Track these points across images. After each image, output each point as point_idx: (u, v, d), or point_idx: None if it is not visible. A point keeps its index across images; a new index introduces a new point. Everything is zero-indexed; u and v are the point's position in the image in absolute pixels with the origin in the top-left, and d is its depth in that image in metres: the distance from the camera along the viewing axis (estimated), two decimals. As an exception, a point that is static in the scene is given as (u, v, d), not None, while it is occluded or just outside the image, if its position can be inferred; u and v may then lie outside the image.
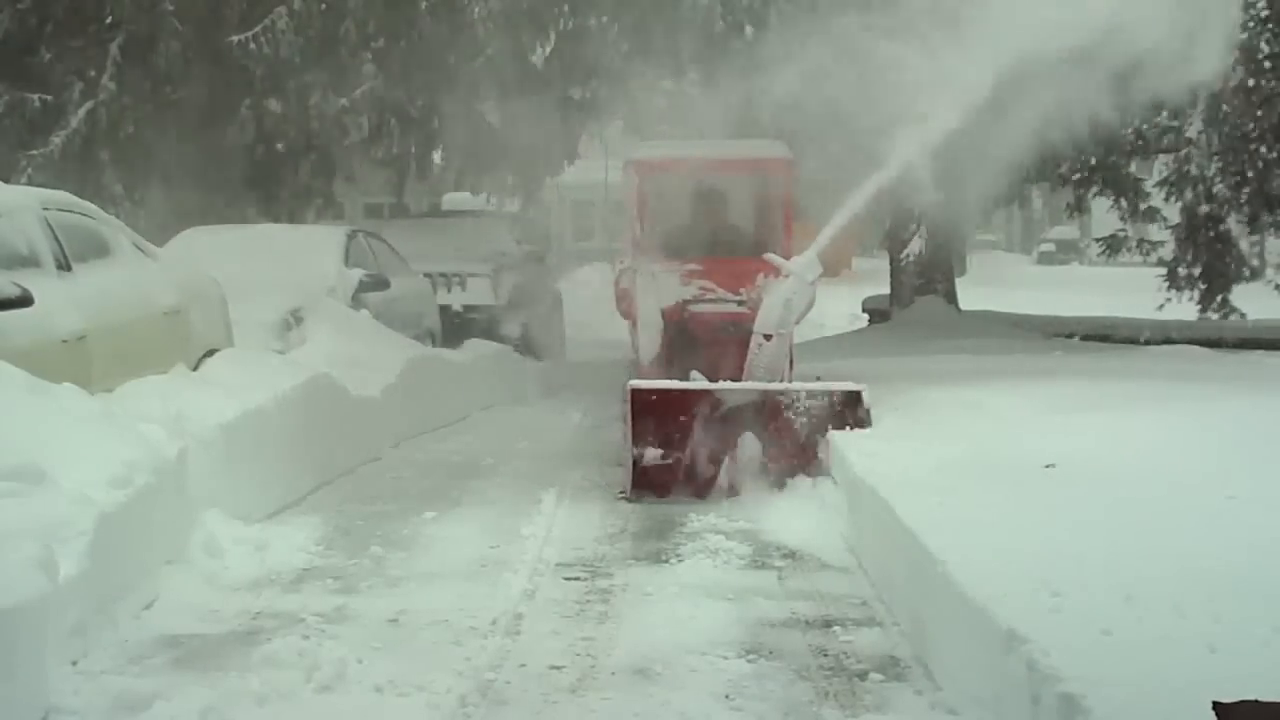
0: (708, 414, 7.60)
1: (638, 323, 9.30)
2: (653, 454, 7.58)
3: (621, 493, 7.68)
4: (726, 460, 7.53)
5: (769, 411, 7.62)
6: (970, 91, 7.36)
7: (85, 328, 6.75)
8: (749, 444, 7.55)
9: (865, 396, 7.65)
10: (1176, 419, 7.11)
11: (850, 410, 7.60)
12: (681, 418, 7.60)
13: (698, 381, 8.04)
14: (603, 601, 5.57)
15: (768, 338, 8.09)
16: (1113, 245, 15.66)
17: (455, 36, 15.08)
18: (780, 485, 7.45)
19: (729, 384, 7.85)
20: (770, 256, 8.34)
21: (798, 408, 7.61)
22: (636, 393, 7.72)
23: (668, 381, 8.04)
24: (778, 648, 4.92)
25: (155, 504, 5.48)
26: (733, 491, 7.48)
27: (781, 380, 8.10)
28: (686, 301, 9.13)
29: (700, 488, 7.53)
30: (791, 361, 8.72)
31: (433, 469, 8.65)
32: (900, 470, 6.28)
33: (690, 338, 9.00)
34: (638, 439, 7.64)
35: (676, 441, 7.59)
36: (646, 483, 7.58)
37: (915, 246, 15.06)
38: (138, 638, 4.89)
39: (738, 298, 9.03)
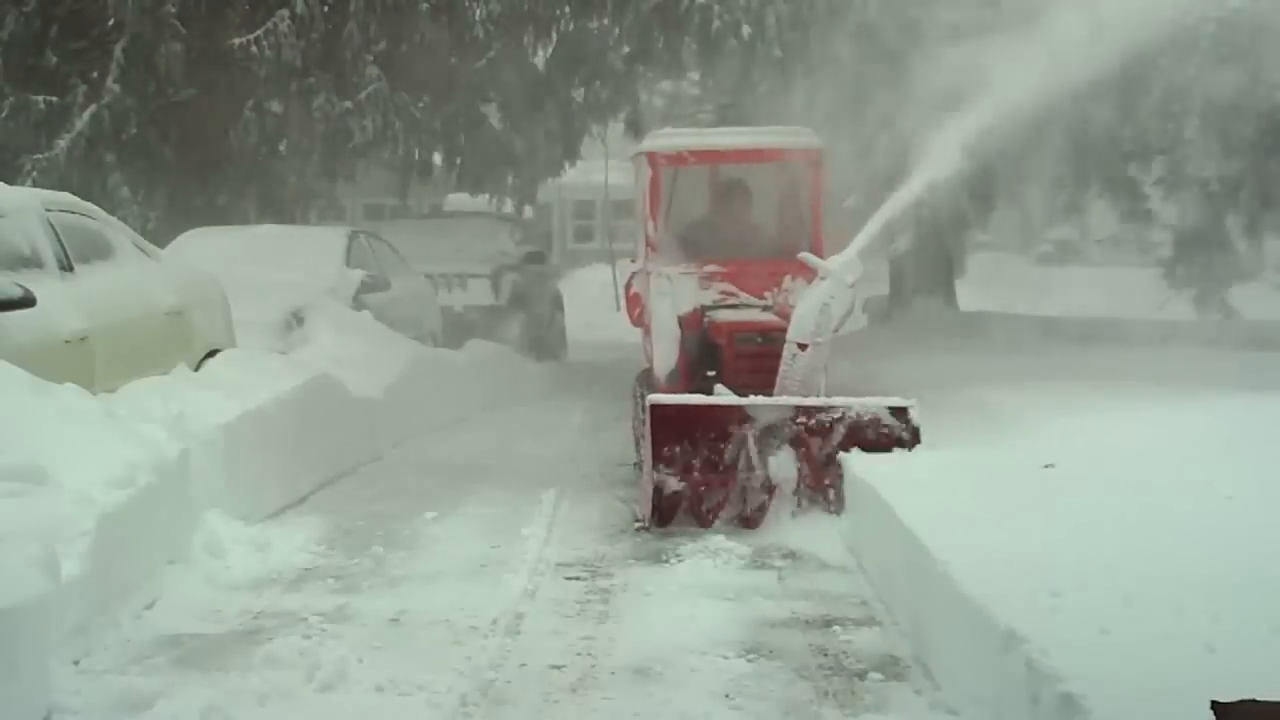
0: (739, 433, 6.82)
1: (651, 331, 8.37)
2: (675, 479, 6.78)
3: (639, 523, 6.93)
4: (759, 486, 6.77)
5: (807, 430, 6.85)
6: (1011, 89, 7.00)
7: (87, 328, 6.76)
8: (785, 466, 6.81)
9: (914, 413, 6.88)
10: (1175, 419, 7.12)
11: (897, 428, 6.84)
12: (709, 438, 6.82)
13: (725, 396, 7.23)
14: (603, 601, 5.58)
15: (802, 347, 7.28)
16: (1112, 246, 15.70)
17: (457, 39, 15.10)
18: (829, 511, 6.76)
19: (762, 399, 7.01)
20: (805, 256, 7.55)
21: (839, 425, 6.84)
22: (657, 409, 6.83)
23: (692, 396, 7.19)
24: (778, 647, 4.92)
25: (157, 504, 5.50)
26: (762, 518, 6.77)
27: (817, 394, 7.27)
28: (706, 307, 8.19)
29: (740, 517, 6.80)
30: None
31: (433, 469, 8.67)
32: (900, 470, 6.29)
33: (710, 348, 7.99)
34: (658, 462, 6.78)
35: (703, 465, 6.81)
36: (668, 511, 6.81)
37: (903, 244, 15.03)
38: (139, 637, 4.90)
39: (763, 303, 8.15)
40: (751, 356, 7.68)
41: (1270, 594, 4.06)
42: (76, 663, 4.51)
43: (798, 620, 5.32)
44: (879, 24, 11.55)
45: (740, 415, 6.88)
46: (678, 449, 6.81)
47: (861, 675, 4.63)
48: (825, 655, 4.86)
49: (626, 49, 16.00)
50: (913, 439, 6.84)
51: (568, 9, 16.08)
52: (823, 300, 7.29)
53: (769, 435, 6.86)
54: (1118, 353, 11.87)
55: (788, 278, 8.04)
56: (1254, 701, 2.85)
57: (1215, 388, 8.49)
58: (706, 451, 6.83)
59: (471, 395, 11.60)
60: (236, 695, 4.25)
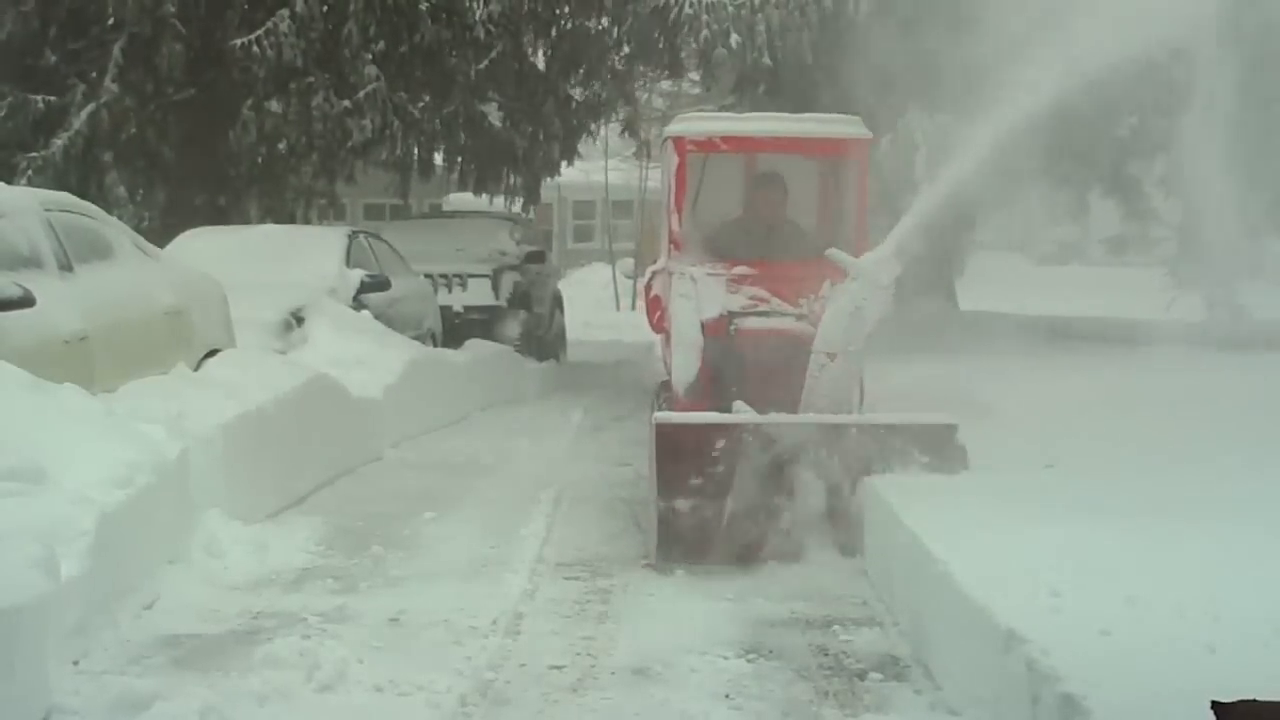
0: (757, 456, 6.13)
1: (671, 339, 7.49)
2: (686, 508, 6.13)
3: (646, 561, 6.23)
4: (784, 515, 6.14)
5: (835, 451, 6.15)
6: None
7: (87, 328, 6.76)
8: (811, 493, 6.15)
9: (958, 434, 6.20)
10: (1175, 418, 7.12)
11: (938, 449, 6.14)
12: (722, 461, 6.13)
13: (742, 414, 6.50)
14: (603, 601, 5.58)
15: (831, 357, 6.60)
16: (1115, 245, 15.71)
17: (457, 39, 15.11)
18: (851, 549, 6.09)
19: (782, 416, 6.35)
20: (833, 253, 6.78)
21: (871, 446, 6.15)
22: (664, 429, 6.21)
23: (703, 415, 6.53)
24: (777, 647, 4.92)
25: (156, 504, 5.49)
26: (791, 554, 6.11)
27: (849, 410, 6.65)
28: (733, 313, 7.30)
29: (752, 550, 6.13)
30: (863, 388, 7.21)
31: (433, 469, 8.66)
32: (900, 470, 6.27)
33: (736, 359, 7.15)
34: (665, 488, 6.14)
35: (716, 492, 6.12)
36: (679, 546, 6.13)
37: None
38: (138, 637, 4.89)
39: (797, 310, 7.29)
40: (779, 370, 6.90)
41: (1270, 594, 4.05)
42: (75, 663, 4.51)
43: (798, 620, 5.31)
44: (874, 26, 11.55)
45: (760, 435, 6.18)
46: (688, 475, 6.14)
47: (862, 675, 4.63)
48: (825, 655, 4.86)
49: (626, 48, 16.03)
50: (958, 461, 6.15)
51: (567, 9, 16.10)
52: (854, 304, 6.60)
53: (791, 459, 6.16)
54: (1119, 352, 11.87)
55: (826, 283, 7.09)
56: (1254, 702, 2.84)
57: (1216, 387, 8.49)
58: (721, 477, 6.14)
59: (471, 395, 11.60)
60: (235, 696, 4.24)
